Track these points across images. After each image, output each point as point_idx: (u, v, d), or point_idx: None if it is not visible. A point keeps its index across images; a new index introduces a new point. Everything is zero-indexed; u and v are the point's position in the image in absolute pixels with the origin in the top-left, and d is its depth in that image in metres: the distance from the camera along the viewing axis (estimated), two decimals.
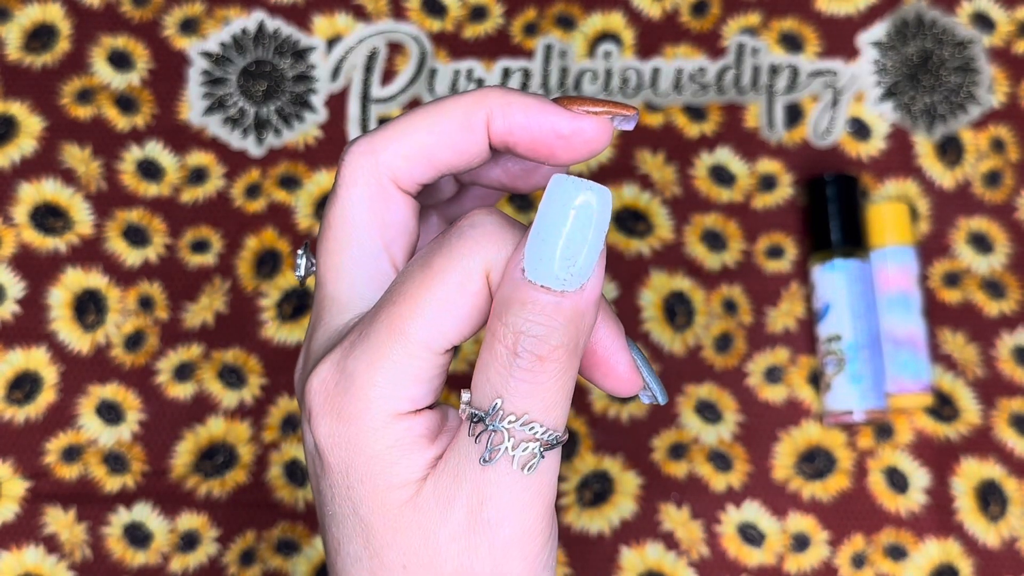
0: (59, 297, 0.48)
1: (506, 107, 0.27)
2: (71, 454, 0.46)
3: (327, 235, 0.28)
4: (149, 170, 0.50)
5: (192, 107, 0.50)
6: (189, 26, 0.51)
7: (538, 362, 0.25)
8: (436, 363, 0.25)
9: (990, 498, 0.47)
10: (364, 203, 0.28)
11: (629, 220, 0.50)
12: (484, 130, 0.27)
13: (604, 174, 0.50)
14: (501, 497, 0.25)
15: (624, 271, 0.49)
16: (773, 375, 0.48)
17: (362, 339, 0.26)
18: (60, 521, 0.46)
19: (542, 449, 0.25)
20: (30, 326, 0.48)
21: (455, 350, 0.26)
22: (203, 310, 0.48)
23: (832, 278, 0.47)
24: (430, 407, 0.26)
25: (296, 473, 0.47)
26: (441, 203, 0.32)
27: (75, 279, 0.48)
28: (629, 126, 0.28)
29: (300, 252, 0.30)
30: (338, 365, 0.26)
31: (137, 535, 0.46)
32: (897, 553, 0.46)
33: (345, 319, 0.28)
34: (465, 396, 0.26)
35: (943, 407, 0.48)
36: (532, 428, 0.25)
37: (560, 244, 0.25)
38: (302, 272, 0.30)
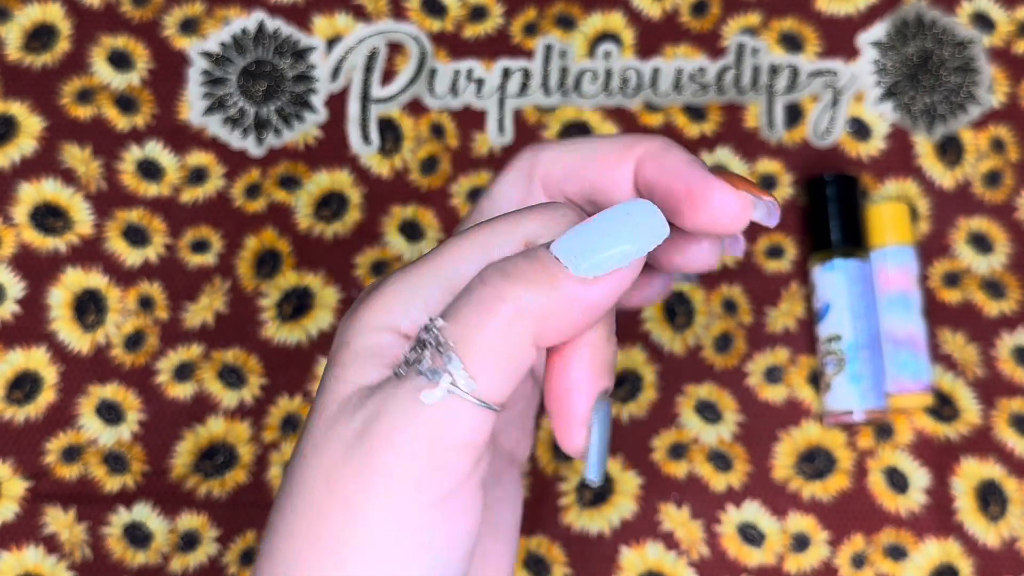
0: (59, 297, 0.48)
1: (661, 153, 0.28)
2: (71, 454, 0.46)
3: (479, 202, 0.31)
4: (149, 170, 0.50)
5: (192, 107, 0.50)
6: (189, 26, 0.51)
7: (497, 301, 0.24)
8: (445, 302, 0.26)
9: (990, 498, 0.47)
10: (512, 186, 0.30)
11: None
12: (632, 168, 0.28)
13: None
14: (390, 414, 0.24)
15: None
16: (773, 375, 0.48)
17: (407, 263, 0.27)
18: (60, 521, 0.46)
19: (451, 387, 0.24)
20: (30, 326, 0.48)
21: None
22: (203, 310, 0.48)
23: (832, 278, 0.47)
24: None
25: None
26: None
27: (75, 279, 0.48)
28: (771, 221, 0.27)
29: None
30: (383, 279, 0.27)
31: (137, 535, 0.46)
32: (897, 553, 0.46)
33: None
34: (439, 321, 0.25)
35: (943, 407, 0.48)
36: (452, 360, 0.24)
37: (590, 231, 0.24)
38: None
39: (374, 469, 0.24)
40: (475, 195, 0.50)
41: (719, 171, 0.27)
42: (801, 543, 0.46)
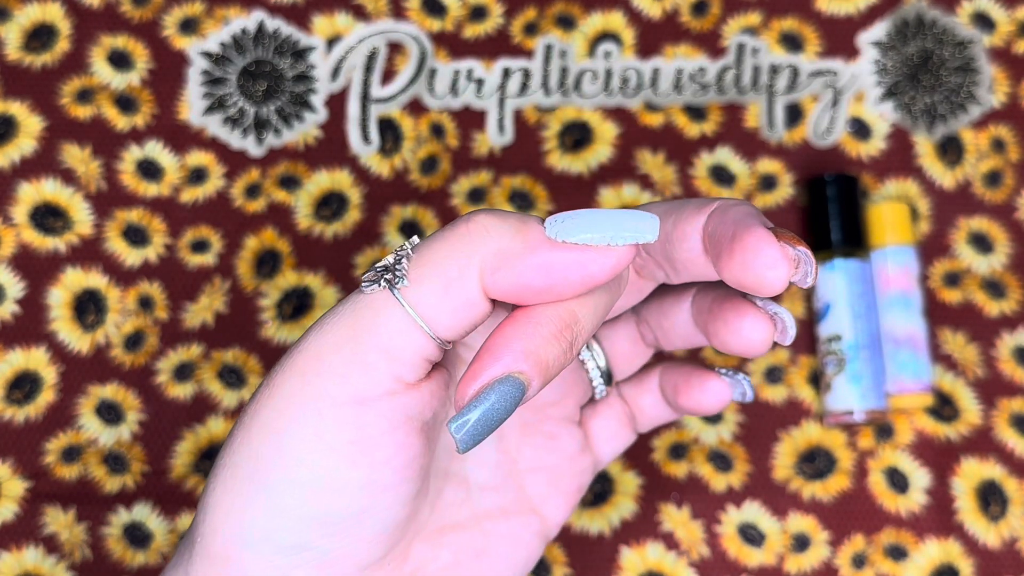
0: (59, 297, 0.48)
1: (731, 205, 0.27)
2: (71, 454, 0.46)
3: None
4: (149, 170, 0.50)
5: (192, 107, 0.50)
6: (189, 26, 0.51)
7: (463, 223, 0.25)
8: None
9: (990, 498, 0.47)
10: None
11: None
12: (705, 219, 0.27)
13: (604, 174, 0.50)
14: (336, 308, 0.26)
15: None
16: (773, 375, 0.48)
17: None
18: (60, 521, 0.46)
19: (385, 282, 0.25)
20: (30, 326, 0.48)
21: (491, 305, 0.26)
22: (203, 310, 0.48)
23: (832, 278, 0.47)
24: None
25: None
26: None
27: (75, 279, 0.48)
28: (805, 282, 0.26)
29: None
30: None
31: (137, 535, 0.46)
32: (897, 553, 0.46)
33: None
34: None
35: (943, 407, 0.48)
36: (400, 263, 0.25)
37: (591, 214, 0.25)
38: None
39: (302, 354, 0.25)
40: (475, 195, 0.50)
41: (771, 228, 0.26)
42: (801, 543, 0.46)
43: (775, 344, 0.29)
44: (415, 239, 0.26)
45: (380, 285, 0.25)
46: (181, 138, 0.50)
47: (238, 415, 0.29)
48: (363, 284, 0.25)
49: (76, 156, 0.49)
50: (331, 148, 0.50)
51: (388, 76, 0.51)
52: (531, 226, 0.25)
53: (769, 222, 0.27)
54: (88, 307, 0.48)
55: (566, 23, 0.52)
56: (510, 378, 0.25)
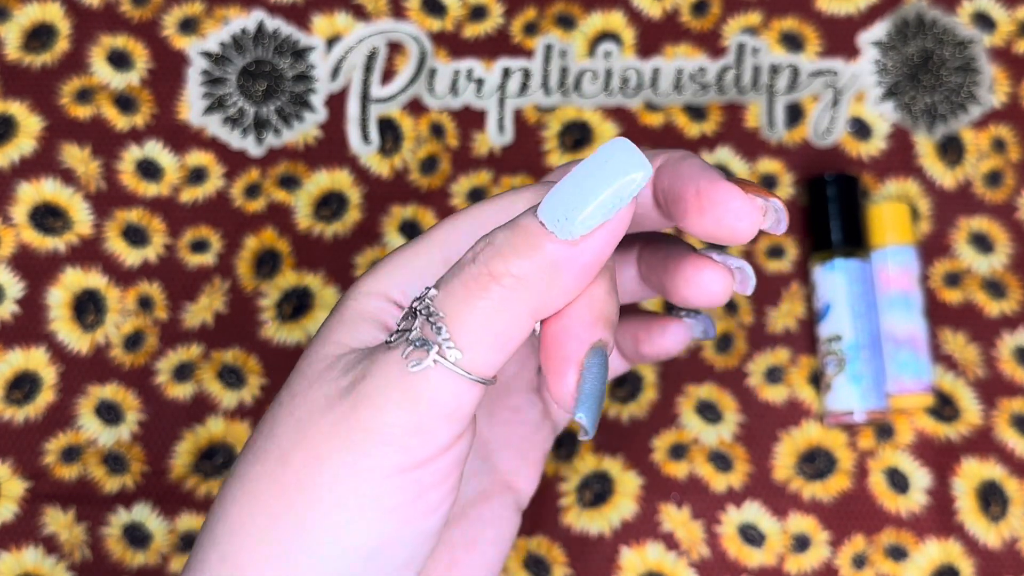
0: (58, 297, 0.48)
1: (681, 159, 0.27)
2: (70, 454, 0.46)
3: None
4: (148, 170, 0.50)
5: (191, 107, 0.50)
6: (188, 26, 0.51)
7: (486, 276, 0.24)
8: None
9: (991, 498, 0.47)
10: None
11: None
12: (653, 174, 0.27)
13: None
14: (376, 376, 0.24)
15: None
16: (773, 375, 0.48)
17: (422, 234, 0.28)
18: (59, 521, 0.45)
19: (437, 357, 0.24)
20: (29, 326, 0.47)
21: None
22: (203, 310, 0.48)
23: (832, 278, 0.47)
24: None
25: None
26: None
27: (74, 279, 0.48)
28: (779, 229, 0.26)
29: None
30: (400, 246, 0.29)
31: (137, 535, 0.46)
32: (898, 554, 0.46)
33: None
34: (431, 291, 0.25)
35: (944, 407, 0.48)
36: (441, 330, 0.24)
37: (571, 183, 0.24)
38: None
39: (350, 425, 0.24)
40: (475, 195, 0.50)
41: (732, 178, 0.27)
42: (802, 544, 0.46)
43: (736, 296, 0.29)
44: (432, 293, 0.24)
45: (431, 362, 0.24)
46: (181, 138, 0.50)
47: (249, 479, 0.27)
48: (410, 364, 0.24)
49: (76, 156, 0.49)
50: (331, 148, 0.50)
51: (388, 76, 0.51)
52: (543, 242, 0.24)
53: (721, 171, 0.27)
54: (88, 307, 0.48)
55: (566, 23, 0.52)
56: (593, 351, 0.25)
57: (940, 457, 0.47)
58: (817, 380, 0.48)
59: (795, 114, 0.51)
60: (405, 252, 0.28)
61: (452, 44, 0.52)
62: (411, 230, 0.49)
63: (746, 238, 0.26)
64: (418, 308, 0.24)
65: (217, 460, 0.47)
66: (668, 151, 0.28)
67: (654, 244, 0.31)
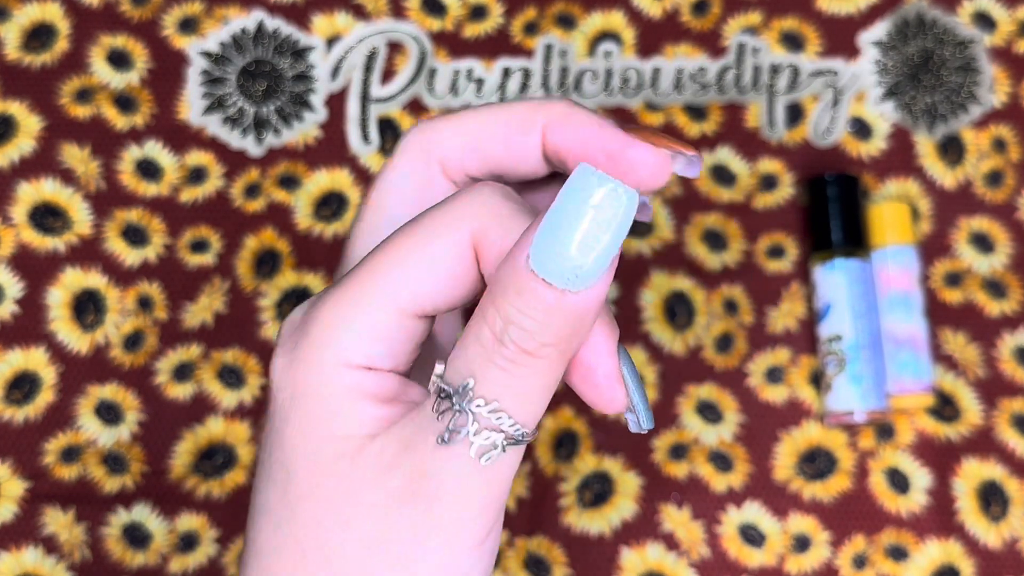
0: (58, 297, 0.48)
1: (567, 118, 0.26)
2: (70, 454, 0.46)
3: (368, 196, 0.28)
4: (148, 170, 0.49)
5: (191, 107, 0.50)
6: (188, 25, 0.51)
7: (523, 355, 0.23)
8: (403, 324, 0.24)
9: (991, 499, 0.47)
10: (408, 176, 0.28)
11: None
12: (539, 135, 0.27)
13: None
14: (446, 476, 0.24)
15: (624, 271, 0.49)
16: (774, 375, 0.48)
17: (336, 285, 0.25)
18: (59, 522, 0.45)
19: (505, 442, 0.24)
20: (29, 326, 0.47)
21: (431, 323, 0.25)
22: (202, 310, 0.48)
23: (833, 278, 0.47)
24: (391, 372, 0.25)
25: None
26: None
27: (74, 279, 0.48)
28: (692, 173, 0.26)
29: None
30: (311, 304, 0.25)
31: (136, 536, 0.45)
32: (898, 554, 0.46)
33: None
34: (439, 368, 0.24)
35: (944, 407, 0.48)
36: (500, 418, 0.23)
37: (573, 241, 0.22)
38: None
39: (430, 526, 0.24)
40: None
41: (631, 128, 0.26)
42: (802, 544, 0.46)
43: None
44: (470, 383, 0.23)
45: (502, 450, 0.24)
46: (180, 138, 0.50)
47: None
48: (483, 460, 0.23)
49: (75, 156, 0.49)
50: (331, 148, 0.50)
51: (388, 76, 0.51)
52: (563, 301, 0.23)
53: (612, 120, 0.26)
54: (87, 307, 0.48)
55: (566, 22, 0.52)
56: (621, 356, 0.25)
57: (940, 457, 0.47)
58: (817, 380, 0.48)
59: (795, 114, 0.51)
60: (346, 301, 0.24)
61: (452, 44, 0.52)
62: None
63: (658, 188, 0.26)
64: (464, 406, 0.23)
65: (217, 460, 0.47)
66: (546, 104, 0.27)
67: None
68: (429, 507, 0.24)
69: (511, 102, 0.27)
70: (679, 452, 0.47)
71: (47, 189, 0.49)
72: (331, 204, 0.50)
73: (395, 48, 0.51)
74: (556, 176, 0.29)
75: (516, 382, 0.23)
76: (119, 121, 0.50)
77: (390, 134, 0.51)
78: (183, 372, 0.47)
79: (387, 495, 0.24)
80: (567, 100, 0.27)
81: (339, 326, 0.24)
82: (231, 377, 0.47)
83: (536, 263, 0.23)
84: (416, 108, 0.51)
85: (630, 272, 0.49)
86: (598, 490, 0.47)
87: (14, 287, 0.48)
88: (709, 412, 0.48)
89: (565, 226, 0.23)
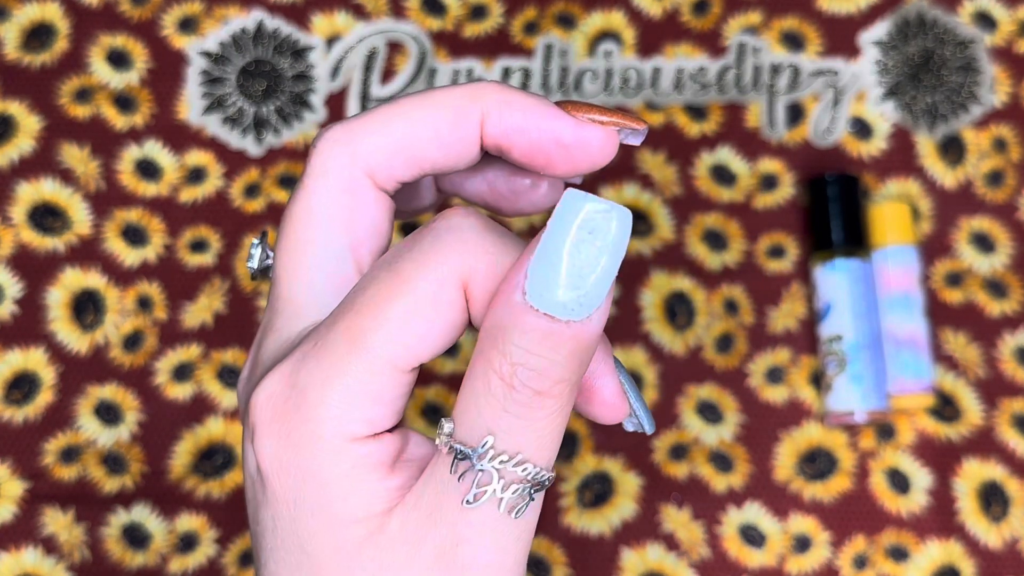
0: (57, 297, 0.48)
1: (504, 105, 0.25)
2: (70, 455, 0.46)
3: (288, 229, 0.25)
4: (148, 170, 0.49)
5: (191, 106, 0.50)
6: (188, 25, 0.51)
7: (537, 397, 0.22)
8: (400, 382, 0.23)
9: (992, 499, 0.46)
10: (332, 197, 0.25)
11: None
12: (477, 128, 0.25)
13: (604, 174, 0.50)
14: (480, 540, 0.22)
15: (624, 271, 0.49)
16: (774, 375, 0.48)
17: (317, 350, 0.23)
18: (59, 522, 0.45)
19: (533, 491, 0.23)
20: (28, 326, 0.47)
21: (420, 367, 0.24)
22: (202, 310, 0.48)
23: (833, 278, 0.47)
24: (390, 430, 0.23)
25: None
26: (418, 211, 0.29)
27: (73, 279, 0.48)
28: (637, 141, 0.25)
29: (256, 242, 0.27)
30: (289, 378, 0.23)
31: (136, 536, 0.45)
32: (899, 554, 0.46)
33: (300, 326, 0.25)
34: (447, 427, 0.23)
35: (945, 408, 0.48)
36: (525, 469, 0.22)
37: (569, 269, 0.22)
38: (255, 264, 0.27)
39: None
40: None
41: (568, 104, 0.25)
42: (802, 544, 0.46)
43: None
44: (490, 440, 0.22)
45: (528, 499, 0.23)
46: (180, 138, 0.50)
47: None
48: (515, 515, 0.23)
49: (75, 156, 0.49)
50: None
51: (388, 75, 0.51)
52: (568, 336, 0.22)
53: (549, 101, 0.25)
54: (87, 307, 0.48)
55: (566, 22, 0.52)
56: (619, 372, 0.25)
57: (941, 457, 0.47)
58: (818, 380, 0.48)
59: (796, 114, 0.51)
60: (334, 369, 0.23)
61: (452, 43, 0.52)
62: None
63: (607, 163, 0.25)
64: (487, 465, 0.22)
65: (216, 460, 0.46)
66: (477, 96, 0.25)
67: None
68: (466, 569, 0.23)
69: (435, 91, 0.25)
70: (679, 452, 0.47)
71: (47, 189, 0.49)
72: None
73: (395, 48, 0.51)
74: (488, 157, 0.27)
75: (534, 428, 0.22)
76: (119, 121, 0.50)
77: None
78: (183, 372, 0.47)
79: (421, 570, 0.23)
80: (496, 83, 0.25)
81: (334, 397, 0.22)
82: (231, 377, 0.47)
83: (535, 298, 0.22)
84: None
85: (630, 272, 0.49)
86: (598, 490, 0.47)
87: (13, 287, 0.48)
88: (709, 412, 0.47)
89: (560, 257, 0.22)
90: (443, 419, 0.23)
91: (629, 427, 0.26)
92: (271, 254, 0.27)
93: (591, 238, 0.22)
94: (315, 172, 0.25)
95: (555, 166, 0.25)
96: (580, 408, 0.25)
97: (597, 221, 0.22)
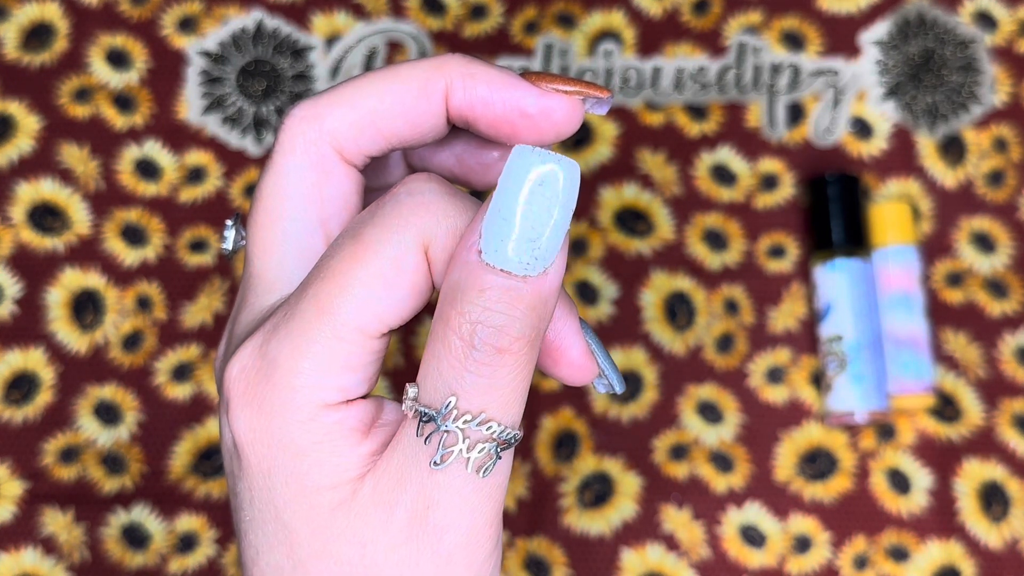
0: (57, 297, 0.48)
1: (468, 78, 0.25)
2: (69, 455, 0.46)
3: (258, 207, 0.26)
4: (147, 169, 0.49)
5: (190, 106, 0.50)
6: (187, 25, 0.51)
7: (497, 355, 0.22)
8: (369, 348, 0.23)
9: (992, 499, 0.46)
10: (301, 173, 0.25)
11: (630, 220, 0.49)
12: (442, 101, 0.25)
13: (604, 173, 0.50)
14: (451, 501, 0.23)
15: (625, 271, 0.49)
16: (774, 376, 0.48)
17: (286, 320, 0.23)
18: (58, 522, 0.45)
19: (499, 449, 0.23)
20: (28, 326, 0.47)
21: (390, 334, 0.24)
22: (201, 310, 0.48)
23: (834, 278, 0.47)
24: (363, 397, 0.24)
25: None
26: (388, 186, 0.29)
27: (73, 279, 0.48)
28: (602, 110, 0.26)
29: (229, 223, 0.28)
30: (260, 350, 0.23)
31: (135, 536, 0.45)
32: (899, 554, 0.46)
33: (271, 300, 0.25)
34: (411, 391, 0.23)
35: (945, 408, 0.48)
36: (489, 427, 0.23)
37: (522, 224, 0.22)
38: (230, 245, 0.28)
39: (448, 553, 0.23)
40: (475, 195, 0.50)
41: (532, 75, 0.25)
42: (803, 544, 0.46)
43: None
44: (452, 401, 0.23)
45: (497, 459, 0.23)
46: (180, 137, 0.50)
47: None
48: (482, 473, 0.23)
49: (74, 155, 0.49)
50: None
51: None
52: (523, 290, 0.22)
53: (514, 72, 0.26)
54: (86, 307, 0.48)
55: (566, 22, 0.52)
56: (585, 332, 0.25)
57: (941, 458, 0.47)
58: (818, 380, 0.48)
59: (796, 113, 0.51)
60: (303, 336, 0.23)
61: (452, 43, 0.51)
62: None
63: (572, 132, 0.26)
64: (451, 426, 0.23)
65: (216, 461, 0.46)
66: (441, 69, 0.25)
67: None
68: (442, 537, 0.23)
69: (400, 65, 0.25)
70: (679, 452, 0.47)
71: (46, 189, 0.49)
72: None
73: (395, 48, 0.51)
74: (456, 131, 0.27)
75: (497, 386, 0.23)
76: (118, 121, 0.50)
77: None
78: (182, 372, 0.47)
79: (395, 534, 0.23)
80: (460, 56, 0.25)
81: (305, 365, 0.23)
82: None
83: (490, 255, 0.22)
84: None
85: (630, 272, 0.49)
86: (598, 491, 0.47)
87: (13, 287, 0.48)
88: (709, 412, 0.47)
89: (512, 212, 0.22)
90: (408, 384, 0.23)
91: (600, 388, 0.26)
92: (244, 234, 0.27)
93: (541, 190, 0.22)
94: (283, 149, 0.25)
95: (521, 136, 0.25)
96: (549, 371, 0.25)
97: (545, 173, 0.22)
